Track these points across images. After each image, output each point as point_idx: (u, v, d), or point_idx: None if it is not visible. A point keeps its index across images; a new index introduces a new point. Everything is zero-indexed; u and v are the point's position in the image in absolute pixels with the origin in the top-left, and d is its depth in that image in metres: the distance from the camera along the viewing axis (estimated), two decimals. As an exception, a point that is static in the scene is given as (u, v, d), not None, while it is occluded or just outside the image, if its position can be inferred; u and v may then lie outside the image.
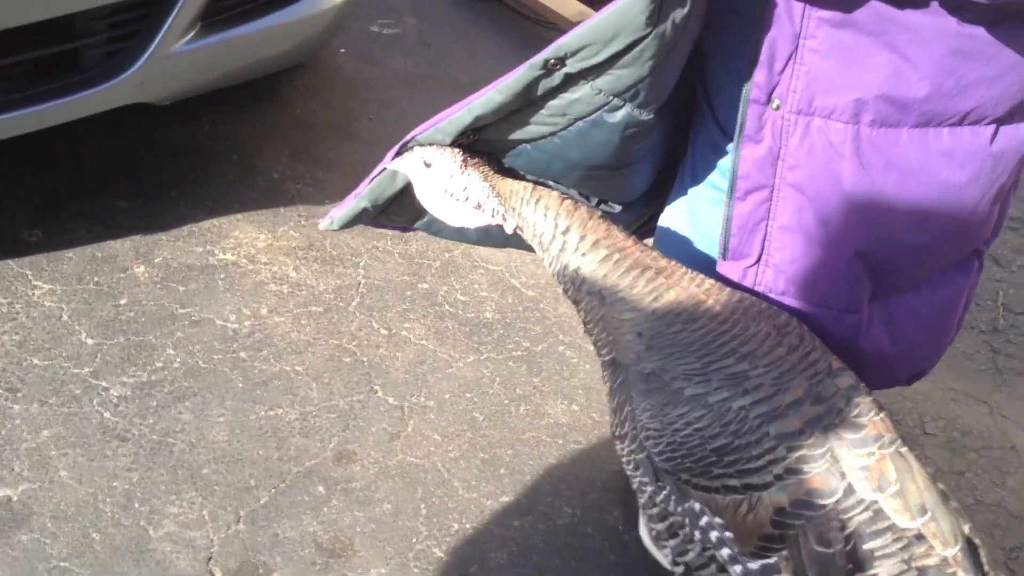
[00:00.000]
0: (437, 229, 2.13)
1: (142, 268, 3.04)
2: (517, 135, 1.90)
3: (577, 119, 1.85)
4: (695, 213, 2.14)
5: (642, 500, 1.85)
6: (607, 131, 1.86)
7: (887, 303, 2.02)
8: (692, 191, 2.15)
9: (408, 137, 1.91)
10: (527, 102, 1.82)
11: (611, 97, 1.79)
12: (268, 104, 3.93)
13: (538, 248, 1.87)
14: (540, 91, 1.79)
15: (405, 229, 2.17)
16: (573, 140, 1.88)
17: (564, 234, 1.81)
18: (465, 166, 1.86)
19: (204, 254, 3.14)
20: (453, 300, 3.09)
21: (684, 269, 1.81)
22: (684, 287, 1.76)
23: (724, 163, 2.04)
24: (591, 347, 2.87)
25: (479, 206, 1.88)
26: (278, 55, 3.46)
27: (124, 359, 2.73)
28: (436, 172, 1.88)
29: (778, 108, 1.84)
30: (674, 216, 2.18)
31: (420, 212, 2.08)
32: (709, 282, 1.80)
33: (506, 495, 2.49)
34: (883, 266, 1.92)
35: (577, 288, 1.81)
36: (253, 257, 3.16)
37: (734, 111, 1.91)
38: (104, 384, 2.65)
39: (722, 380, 1.63)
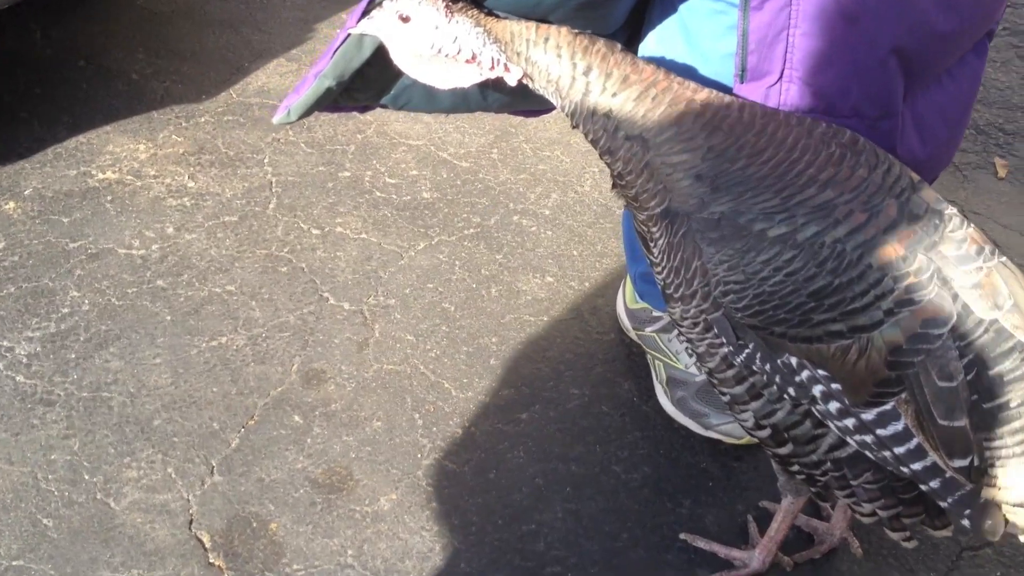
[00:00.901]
0: (406, 100, 1.81)
1: (12, 204, 2.60)
2: None
3: None
4: (691, 31, 1.89)
5: (710, 364, 1.64)
6: None
7: (914, 102, 1.85)
8: (684, 7, 1.89)
9: None
10: None
11: None
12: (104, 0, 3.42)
13: (553, 95, 1.59)
14: None
15: (365, 108, 1.84)
16: None
17: (586, 74, 1.54)
18: (450, 12, 1.56)
19: (80, 176, 2.70)
20: (382, 184, 2.77)
21: (729, 97, 1.57)
22: (737, 117, 1.52)
23: None
24: (545, 212, 2.68)
25: (473, 58, 1.58)
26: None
27: (22, 311, 2.33)
28: (417, 26, 1.57)
29: None
30: (663, 39, 1.92)
31: (387, 84, 1.77)
32: (760, 107, 1.57)
33: (504, 388, 2.25)
34: (915, 59, 1.74)
35: (611, 135, 1.54)
36: (138, 171, 2.75)
37: None
38: (6, 344, 2.25)
39: (808, 214, 1.41)
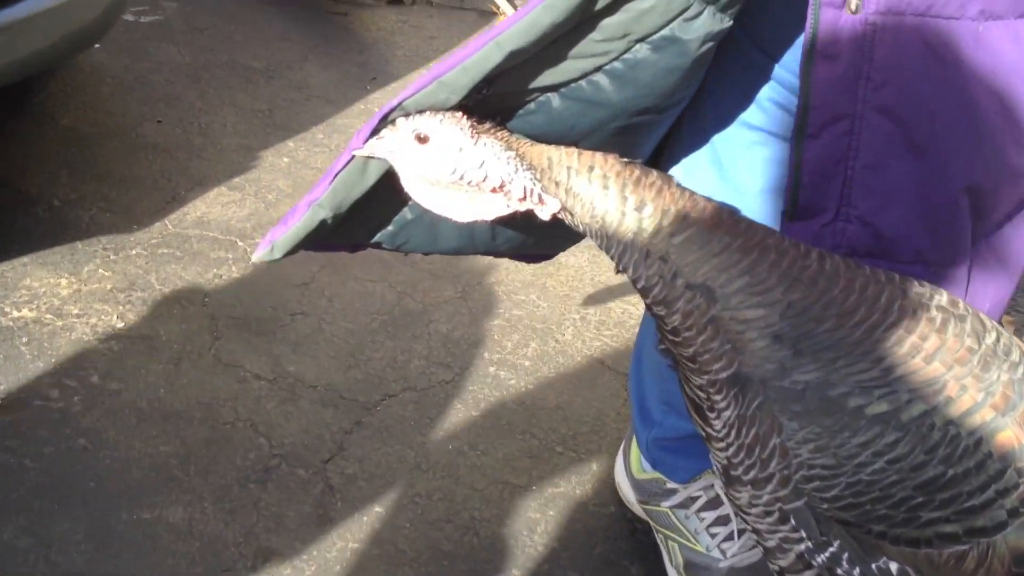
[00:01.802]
0: (405, 239, 1.57)
1: (-94, 345, 2.23)
2: (545, 79, 1.40)
3: (640, 39, 1.37)
4: (724, 163, 1.69)
5: (782, 562, 1.38)
6: (676, 52, 1.39)
7: (976, 248, 1.66)
8: (718, 136, 1.69)
9: (391, 105, 1.34)
10: (581, 20, 1.31)
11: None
12: (24, 119, 3.14)
13: (597, 235, 1.35)
14: (604, 2, 1.28)
15: (356, 247, 1.58)
16: (625, 74, 1.41)
17: (639, 210, 1.31)
18: (477, 133, 1.33)
19: (-10, 314, 2.35)
20: (336, 324, 2.47)
21: (805, 244, 1.35)
22: (818, 268, 1.30)
23: (767, 93, 1.61)
24: (524, 363, 2.41)
25: (502, 186, 1.34)
26: (34, 52, 2.71)
27: (-88, 478, 1.94)
28: (436, 148, 1.34)
29: (857, 10, 1.43)
30: (693, 171, 1.73)
31: (387, 218, 1.53)
32: (838, 258, 1.35)
33: (493, 572, 1.93)
34: (987, 199, 1.56)
35: (669, 283, 1.31)
36: (59, 309, 2.42)
37: (779, 19, 1.51)
38: None
39: (913, 389, 1.19)
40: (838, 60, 1.44)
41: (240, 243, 2.74)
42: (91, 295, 2.47)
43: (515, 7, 4.35)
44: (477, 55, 1.31)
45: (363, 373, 2.37)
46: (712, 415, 1.38)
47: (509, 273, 2.76)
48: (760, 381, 1.29)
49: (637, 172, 1.34)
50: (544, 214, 1.38)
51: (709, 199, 1.37)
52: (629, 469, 2.06)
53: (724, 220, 1.34)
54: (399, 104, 1.34)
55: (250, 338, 2.41)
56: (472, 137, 1.34)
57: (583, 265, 2.81)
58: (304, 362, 2.37)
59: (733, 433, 1.34)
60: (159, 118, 3.28)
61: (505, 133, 1.38)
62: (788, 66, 1.57)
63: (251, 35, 3.90)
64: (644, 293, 1.36)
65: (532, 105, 1.44)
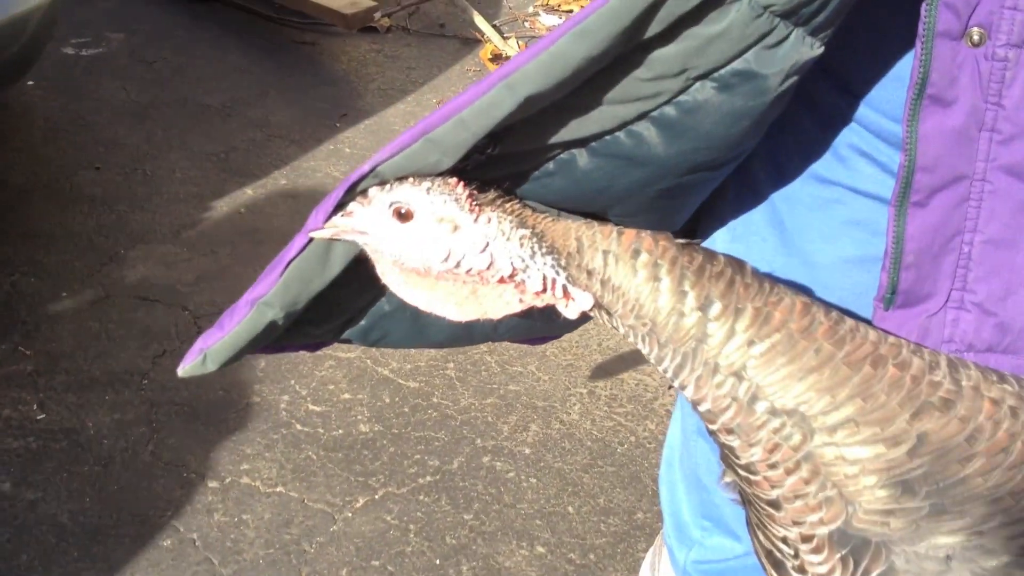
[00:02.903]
0: (382, 334, 1.23)
1: None
2: (570, 131, 1.08)
3: (703, 75, 1.03)
4: (788, 227, 1.37)
5: None
6: (750, 91, 1.08)
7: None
8: (779, 194, 1.35)
9: (362, 171, 0.98)
10: (624, 51, 0.96)
11: (776, 19, 0.97)
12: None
13: (645, 341, 1.01)
14: (658, 26, 0.93)
15: (318, 345, 1.22)
16: (678, 123, 1.08)
17: (703, 310, 0.98)
18: (476, 206, 1.00)
19: None
20: (304, 413, 2.12)
21: (924, 350, 1.02)
22: (954, 388, 0.97)
23: (848, 138, 1.28)
24: (524, 451, 2.06)
25: (512, 276, 0.99)
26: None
27: None
28: (423, 226, 1.02)
29: (981, 42, 1.10)
30: (744, 238, 1.40)
31: (357, 312, 1.20)
32: (974, 368, 1.02)
33: None
34: None
35: (746, 407, 0.96)
36: (-34, 399, 2.04)
37: (869, 47, 1.21)
38: None
39: None
40: (955, 107, 1.12)
41: (187, 311, 2.38)
42: (6, 380, 2.11)
43: (502, 35, 4.02)
44: (481, 102, 0.96)
45: (332, 470, 1.99)
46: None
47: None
48: (882, 544, 0.94)
49: (699, 258, 1.01)
50: (571, 312, 1.03)
51: (796, 292, 1.03)
52: (660, 591, 1.70)
53: (820, 321, 1.00)
54: (372, 169, 0.99)
55: (197, 430, 2.05)
56: (471, 211, 1.01)
57: (588, 328, 2.45)
58: (262, 459, 2.00)
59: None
60: (98, 164, 2.93)
61: (516, 204, 1.04)
62: (877, 105, 1.23)
63: (205, 69, 3.55)
64: (709, 418, 1.01)
65: (550, 165, 1.10)
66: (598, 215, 1.12)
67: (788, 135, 1.28)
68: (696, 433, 1.53)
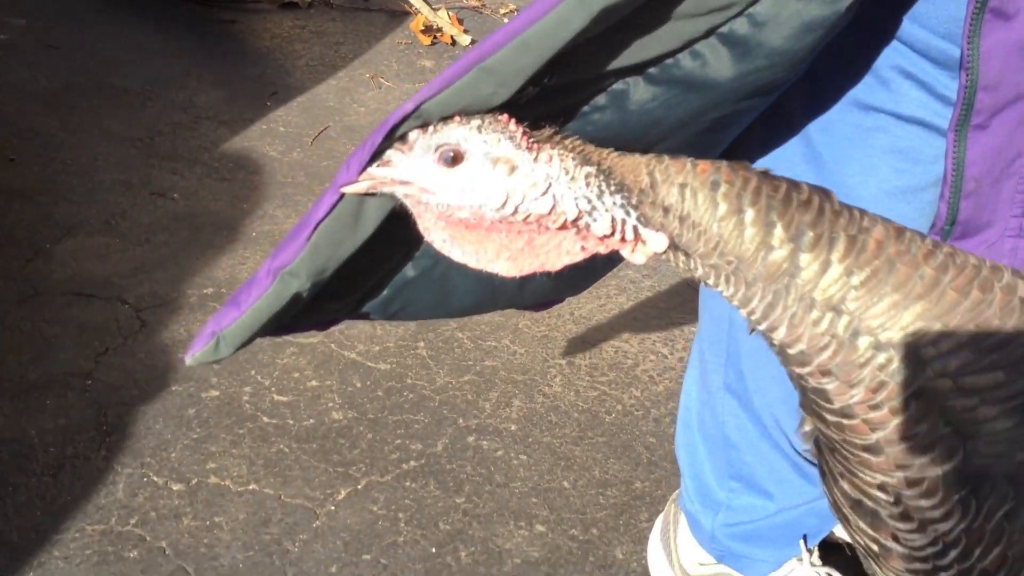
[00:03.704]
0: (403, 304, 1.14)
1: None
2: (631, 55, 1.05)
3: None
4: (826, 160, 1.35)
5: None
6: None
7: None
8: (815, 124, 1.30)
9: (405, 110, 0.88)
10: None
11: None
12: None
13: (728, 282, 0.91)
14: None
15: (330, 323, 1.11)
16: (750, 38, 1.05)
17: (794, 241, 0.88)
18: (534, 144, 0.90)
19: None
20: (270, 405, 1.98)
21: (1011, 268, 0.95)
22: None
23: (892, 60, 1.21)
24: (510, 427, 1.95)
25: (577, 220, 0.88)
26: None
27: None
28: (476, 170, 0.91)
29: None
30: (778, 167, 1.29)
31: (378, 281, 1.10)
32: None
33: None
34: None
35: (848, 344, 0.89)
36: None
37: None
38: None
39: None
40: (1018, 19, 1.06)
41: (126, 304, 2.22)
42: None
43: (429, 5, 3.88)
44: (546, 21, 0.86)
45: (308, 462, 1.86)
46: (906, 526, 0.94)
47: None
48: (1007, 479, 0.85)
49: (783, 187, 0.92)
50: (639, 256, 0.94)
51: (886, 219, 0.94)
52: (678, 563, 1.61)
53: (918, 245, 0.92)
54: (416, 108, 0.88)
55: (153, 430, 1.90)
56: (529, 149, 0.88)
57: (559, 296, 2.35)
58: (229, 456, 1.86)
59: (954, 553, 0.90)
60: (12, 155, 2.73)
61: (576, 141, 0.93)
62: (925, 21, 1.15)
63: (120, 51, 3.37)
64: (802, 360, 0.92)
65: (601, 98, 1.01)
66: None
67: (825, 59, 1.20)
68: (723, 389, 1.45)
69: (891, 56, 1.16)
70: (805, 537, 1.49)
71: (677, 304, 2.42)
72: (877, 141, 1.20)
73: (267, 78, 3.37)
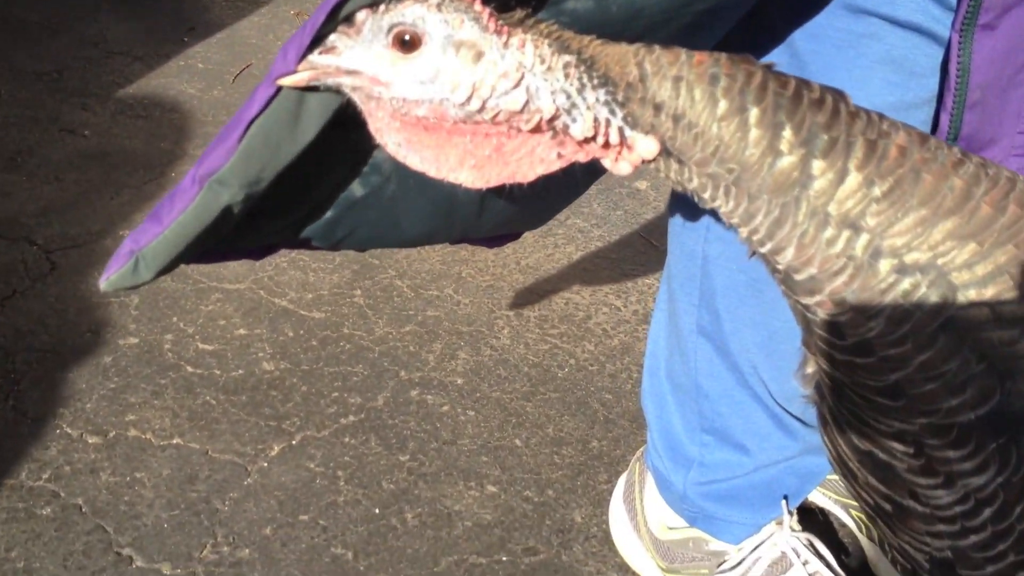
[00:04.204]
0: (349, 230, 1.01)
1: None
2: None
3: None
4: (811, 70, 1.28)
5: None
6: None
7: None
8: (800, 33, 1.25)
9: None
10: None
11: None
12: None
13: (727, 195, 0.82)
14: None
15: (267, 250, 0.98)
16: None
17: (805, 145, 0.78)
18: (503, 28, 0.78)
19: None
20: (195, 354, 1.84)
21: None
22: None
23: None
24: (456, 380, 1.83)
25: (554, 119, 0.78)
26: None
27: None
28: (436, 57, 0.79)
29: None
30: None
31: (321, 199, 0.96)
32: None
33: None
34: None
35: (867, 267, 0.80)
36: None
37: None
38: None
39: None
40: None
41: (35, 245, 2.05)
42: None
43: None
44: None
45: (237, 416, 1.73)
46: (928, 480, 0.85)
47: (410, 261, 2.17)
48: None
49: (792, 83, 0.82)
50: (624, 165, 0.83)
51: (907, 125, 0.85)
52: (644, 526, 1.52)
53: (945, 153, 0.82)
54: None
55: (66, 379, 1.74)
56: (499, 33, 0.77)
57: (503, 247, 2.24)
58: (150, 408, 1.72)
59: (988, 512, 0.82)
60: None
61: (552, 26, 0.82)
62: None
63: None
64: (812, 287, 0.82)
65: None
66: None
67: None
68: (696, 332, 1.35)
69: None
70: (787, 498, 1.41)
71: (629, 255, 2.33)
72: (869, 49, 1.11)
73: (183, 13, 3.18)
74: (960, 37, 1.02)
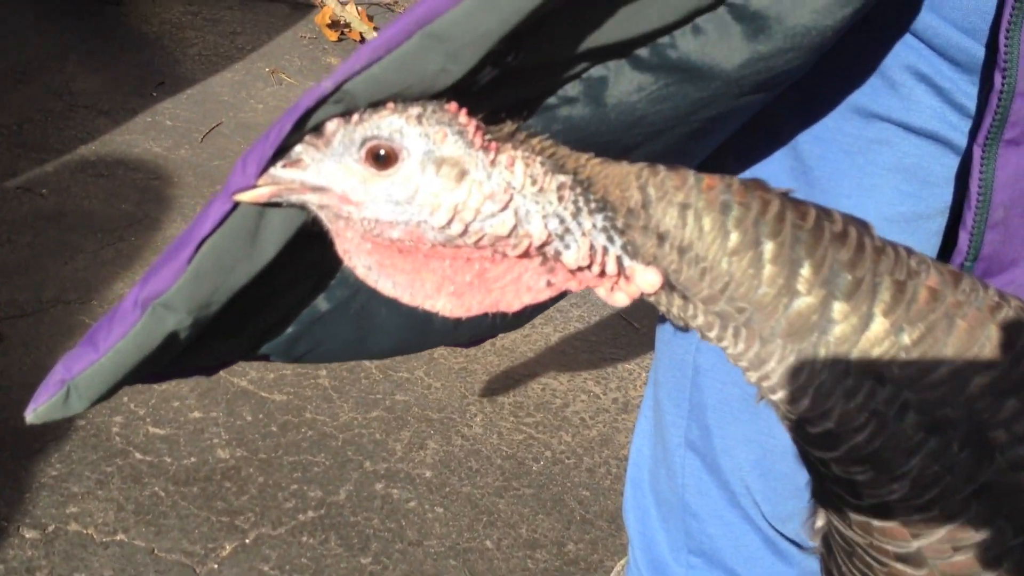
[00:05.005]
0: (312, 344, 0.93)
1: None
2: (621, 28, 0.86)
3: None
4: (816, 175, 1.24)
5: None
6: None
7: None
8: (806, 135, 1.17)
9: (322, 90, 0.66)
10: None
11: None
12: None
13: (735, 334, 0.73)
14: None
15: (220, 366, 0.89)
16: (767, 8, 0.80)
17: (826, 286, 0.70)
18: (490, 143, 0.71)
19: None
20: (144, 438, 1.76)
21: None
22: None
23: (902, 58, 1.09)
24: (424, 473, 1.73)
25: (544, 245, 0.70)
26: None
27: None
28: (414, 174, 0.71)
29: None
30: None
31: (282, 315, 0.89)
32: None
33: None
34: None
35: (892, 422, 0.71)
36: None
37: None
38: None
39: None
40: None
41: (-18, 314, 1.95)
42: None
43: (339, 0, 3.67)
44: None
45: (187, 510, 1.63)
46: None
47: (382, 341, 2.08)
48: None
49: (812, 214, 0.74)
50: (621, 296, 0.75)
51: (936, 261, 0.77)
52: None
53: (980, 295, 0.75)
54: (337, 88, 0.68)
55: (4, 465, 1.64)
56: (486, 150, 0.69)
57: (479, 325, 2.16)
58: (94, 499, 1.62)
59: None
60: None
61: (545, 141, 0.74)
62: (948, 11, 0.99)
63: (-13, 28, 3.06)
64: (829, 443, 0.75)
65: (573, 88, 0.82)
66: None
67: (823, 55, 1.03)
68: (684, 446, 1.27)
69: (903, 54, 1.00)
70: (778, 628, 1.32)
71: (609, 338, 2.25)
72: (880, 156, 1.05)
73: (154, 67, 3.11)
74: (983, 152, 0.96)
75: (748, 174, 1.11)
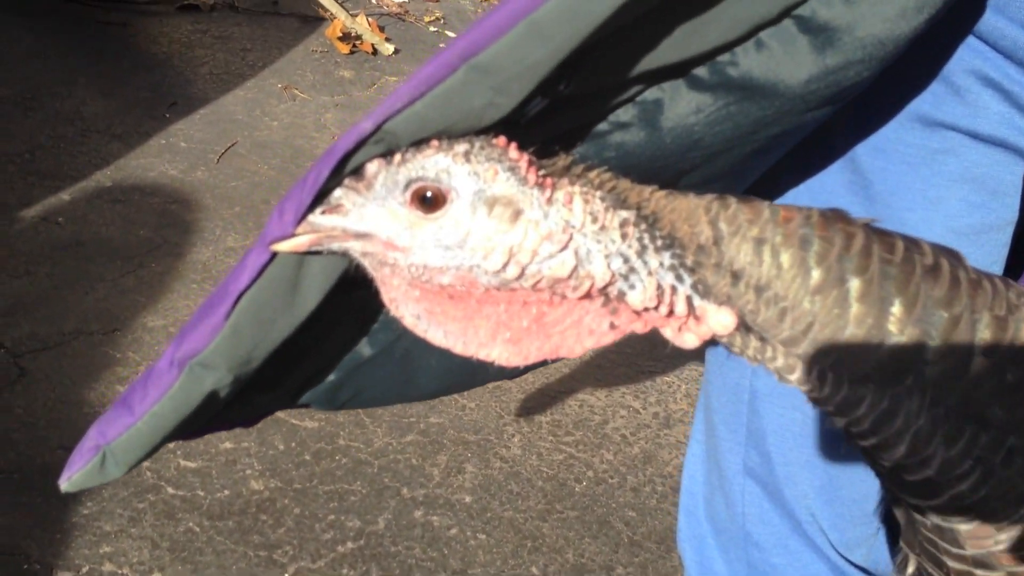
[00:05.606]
0: (355, 391, 0.91)
1: None
2: (679, 47, 0.80)
3: None
4: (877, 190, 1.19)
5: None
6: None
7: None
8: (864, 147, 1.12)
9: (362, 130, 0.64)
10: None
11: None
12: None
13: (816, 378, 0.68)
14: None
15: (257, 419, 0.85)
16: (836, 19, 0.80)
17: (919, 325, 0.65)
18: (545, 179, 0.67)
19: None
20: (177, 473, 1.75)
21: None
22: None
23: (968, 63, 1.03)
24: (463, 499, 1.69)
25: (607, 287, 0.67)
26: None
27: None
28: (464, 216, 0.67)
29: None
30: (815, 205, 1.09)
31: (323, 364, 0.85)
32: None
33: None
34: None
35: (1000, 467, 0.66)
36: None
37: None
38: None
39: None
40: None
41: (2, 347, 1.93)
42: None
43: (347, 11, 3.64)
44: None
45: (223, 545, 1.60)
46: None
47: (413, 362, 2.04)
48: None
49: (901, 247, 0.70)
50: (690, 338, 0.71)
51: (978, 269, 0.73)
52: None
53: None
54: (377, 129, 0.64)
55: (34, 505, 1.62)
56: (541, 187, 0.66)
57: (510, 341, 2.12)
58: (127, 538, 1.59)
59: None
60: None
61: (604, 174, 0.69)
62: (1015, 13, 0.95)
63: (-5, 53, 3.04)
64: (924, 492, 0.71)
65: (626, 112, 0.78)
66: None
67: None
68: (743, 474, 1.23)
69: (967, 58, 0.96)
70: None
71: (646, 349, 2.21)
72: (945, 167, 1.01)
73: (165, 87, 3.08)
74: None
75: (803, 189, 1.08)
